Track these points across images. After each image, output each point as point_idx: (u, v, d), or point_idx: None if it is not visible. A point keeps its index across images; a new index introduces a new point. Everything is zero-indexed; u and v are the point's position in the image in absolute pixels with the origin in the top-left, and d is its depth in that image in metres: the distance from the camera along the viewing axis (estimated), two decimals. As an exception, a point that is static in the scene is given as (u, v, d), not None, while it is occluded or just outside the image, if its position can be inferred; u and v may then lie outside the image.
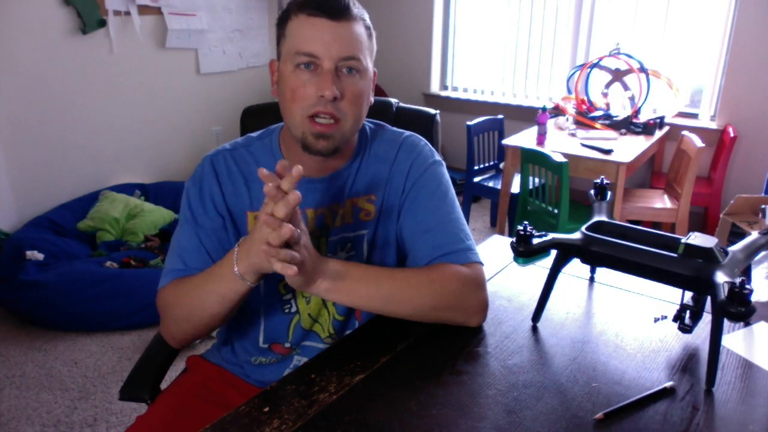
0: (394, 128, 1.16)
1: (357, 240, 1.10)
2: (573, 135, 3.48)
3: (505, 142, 3.39)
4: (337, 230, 1.09)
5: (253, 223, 1.06)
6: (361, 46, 0.98)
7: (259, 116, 1.38)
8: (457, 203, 1.12)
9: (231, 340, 1.17)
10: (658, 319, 1.08)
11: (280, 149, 1.09)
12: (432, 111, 1.47)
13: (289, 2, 1.00)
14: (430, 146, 1.14)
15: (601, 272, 1.24)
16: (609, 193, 1.16)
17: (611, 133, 3.50)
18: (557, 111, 3.95)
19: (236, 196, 1.07)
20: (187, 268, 1.03)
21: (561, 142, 3.34)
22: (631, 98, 3.91)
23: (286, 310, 1.10)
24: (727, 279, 0.84)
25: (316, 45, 0.95)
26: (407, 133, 1.14)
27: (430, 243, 1.05)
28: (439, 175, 1.11)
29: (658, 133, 3.58)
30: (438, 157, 1.14)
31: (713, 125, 3.80)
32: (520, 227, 0.99)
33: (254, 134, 1.14)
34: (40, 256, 2.79)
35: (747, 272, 1.02)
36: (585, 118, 3.71)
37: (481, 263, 1.06)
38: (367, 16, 1.02)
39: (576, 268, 1.16)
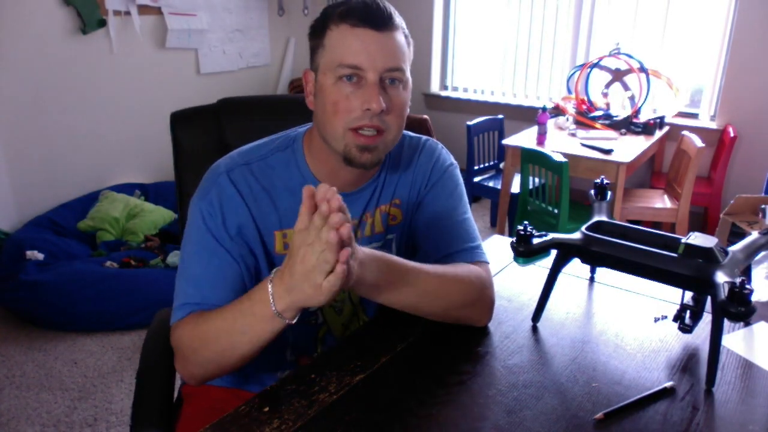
0: (412, 133, 1.15)
1: (386, 245, 1.10)
2: (573, 135, 3.48)
3: (505, 142, 3.39)
4: (366, 240, 1.07)
5: (280, 243, 1.00)
6: (404, 56, 0.96)
7: (188, 122, 1.30)
8: (469, 205, 1.14)
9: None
10: (658, 319, 1.08)
11: (306, 161, 1.02)
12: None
13: (326, 11, 0.95)
14: (447, 150, 1.17)
15: (601, 272, 1.24)
16: (609, 193, 1.16)
17: (611, 133, 3.50)
18: (557, 111, 3.95)
19: (263, 216, 0.99)
20: (204, 302, 0.95)
21: (561, 142, 3.34)
22: (631, 98, 3.91)
23: (312, 322, 1.08)
24: (727, 279, 0.84)
25: (360, 57, 0.91)
26: (424, 137, 1.16)
27: (445, 239, 1.07)
28: (456, 176, 1.14)
29: (658, 133, 3.58)
30: (454, 160, 1.16)
31: (713, 125, 3.80)
32: (520, 227, 0.99)
33: (267, 143, 1.04)
34: (40, 256, 2.79)
35: (747, 272, 1.02)
36: (585, 118, 3.71)
37: (488, 262, 1.10)
38: (405, 25, 0.99)
39: (576, 268, 1.16)
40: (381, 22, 0.92)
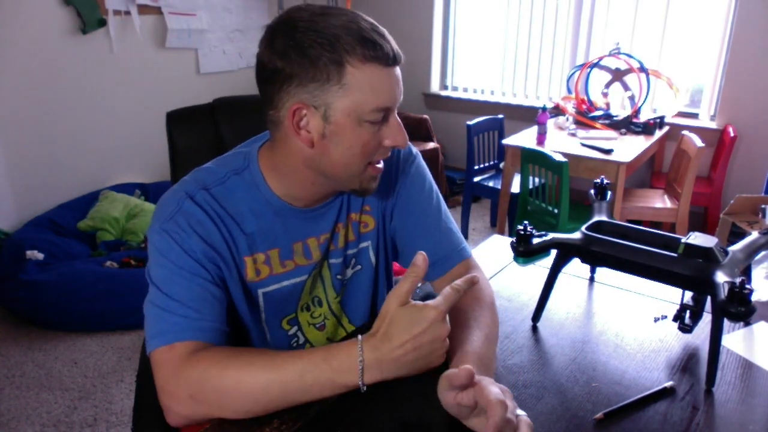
0: None
1: (361, 253, 1.08)
2: (573, 135, 3.48)
3: (505, 141, 3.39)
4: (339, 252, 1.04)
5: (252, 270, 0.95)
6: None
7: (184, 121, 1.29)
8: (440, 194, 1.12)
9: None
10: (658, 319, 1.08)
11: (266, 182, 0.95)
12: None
13: (332, 42, 0.82)
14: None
15: (601, 272, 1.23)
16: (609, 193, 1.15)
17: (611, 133, 3.50)
18: (557, 111, 3.95)
19: (231, 240, 0.93)
20: (204, 319, 0.85)
21: (561, 142, 3.34)
22: (631, 98, 3.91)
23: (294, 344, 1.07)
24: (727, 279, 0.84)
25: (393, 98, 0.87)
26: None
27: (430, 245, 1.04)
28: (423, 168, 1.10)
29: (658, 133, 3.58)
30: (414, 149, 1.11)
31: (713, 125, 3.80)
32: (520, 227, 0.99)
33: (219, 167, 0.97)
34: (40, 256, 2.79)
35: (747, 272, 1.02)
36: (585, 118, 3.71)
37: (471, 255, 1.10)
38: None
39: (576, 268, 1.16)
40: (400, 58, 0.87)
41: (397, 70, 0.87)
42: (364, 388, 0.78)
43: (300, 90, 0.84)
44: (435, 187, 1.11)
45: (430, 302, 0.78)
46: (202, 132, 1.26)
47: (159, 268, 0.87)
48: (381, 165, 0.93)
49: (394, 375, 0.78)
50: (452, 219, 1.11)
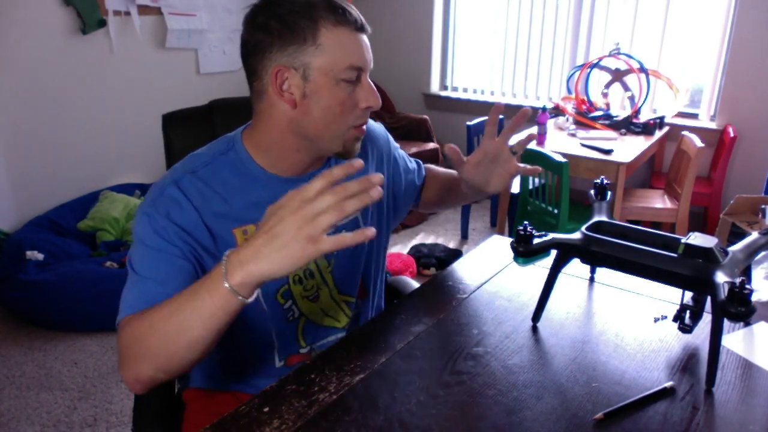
0: None
1: (352, 224, 1.10)
2: (573, 135, 3.48)
3: (505, 142, 3.39)
4: None
5: (242, 240, 0.98)
6: None
7: (180, 123, 1.30)
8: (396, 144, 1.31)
9: (241, 368, 1.10)
10: (658, 319, 1.08)
11: (252, 158, 1.01)
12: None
13: (307, 9, 0.92)
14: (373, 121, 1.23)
15: (601, 272, 1.24)
16: (609, 193, 1.16)
17: (611, 133, 3.50)
18: (557, 111, 3.95)
19: (217, 218, 0.98)
20: (166, 291, 0.86)
21: (561, 142, 3.34)
22: (631, 98, 3.91)
23: (290, 318, 1.09)
24: (727, 279, 0.84)
25: (363, 59, 0.96)
26: None
27: (415, 175, 1.29)
28: (392, 139, 1.28)
29: (658, 133, 3.58)
30: (377, 123, 1.26)
31: (713, 125, 3.80)
32: (520, 227, 0.99)
33: (206, 151, 1.03)
34: (40, 256, 2.79)
35: (747, 272, 1.02)
36: (585, 118, 3.71)
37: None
38: None
39: (576, 268, 1.16)
40: (365, 29, 0.98)
41: (365, 38, 0.97)
42: (242, 297, 0.76)
43: (280, 54, 0.93)
44: (395, 143, 1.28)
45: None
46: (199, 133, 1.26)
47: (134, 250, 0.93)
48: (359, 131, 1.01)
49: (256, 269, 0.74)
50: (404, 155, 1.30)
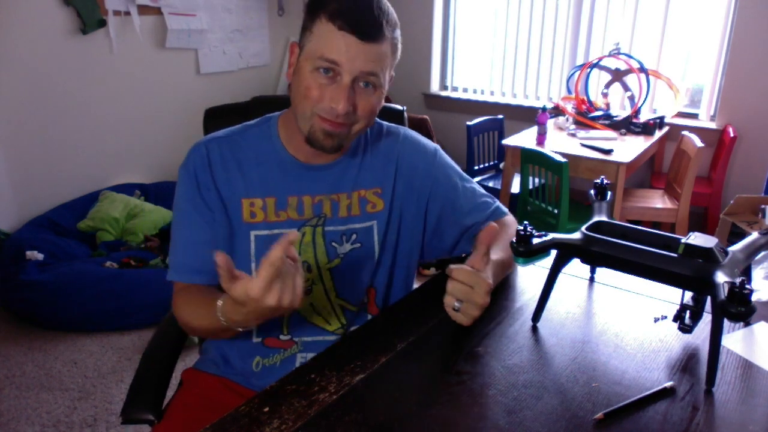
0: (388, 123, 1.21)
1: (365, 231, 1.12)
2: (573, 135, 3.48)
3: (505, 142, 3.40)
4: (342, 220, 1.11)
5: (247, 212, 1.07)
6: (384, 63, 1.00)
7: (220, 119, 1.33)
8: (460, 170, 1.25)
9: (224, 350, 1.14)
10: (658, 319, 1.08)
11: (279, 136, 1.10)
12: (399, 107, 1.50)
13: (323, 3, 0.97)
14: (423, 137, 1.23)
15: (601, 272, 1.23)
16: (609, 193, 1.15)
17: (611, 133, 3.50)
18: (557, 111, 3.95)
19: (229, 184, 1.07)
20: (186, 268, 1.06)
21: (561, 142, 3.34)
22: (631, 98, 3.91)
23: None
24: (727, 279, 0.84)
25: (341, 56, 0.95)
26: (402, 128, 1.22)
27: (472, 217, 1.19)
28: (446, 159, 1.23)
29: (658, 133, 3.58)
30: (434, 143, 1.24)
31: (713, 125, 3.80)
32: (520, 227, 0.99)
33: (251, 122, 1.14)
34: (40, 256, 2.79)
35: (747, 272, 1.02)
36: (585, 118, 3.72)
37: (508, 213, 1.25)
38: (398, 30, 1.02)
39: (576, 268, 1.16)
40: (369, 35, 0.95)
41: (362, 44, 0.95)
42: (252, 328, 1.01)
43: (300, 33, 1.01)
44: (461, 172, 1.23)
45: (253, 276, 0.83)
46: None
47: (174, 209, 1.09)
48: (330, 126, 0.99)
49: (256, 320, 0.91)
50: (484, 193, 1.24)
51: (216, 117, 1.34)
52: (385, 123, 1.20)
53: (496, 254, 1.07)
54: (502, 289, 1.20)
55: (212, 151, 1.07)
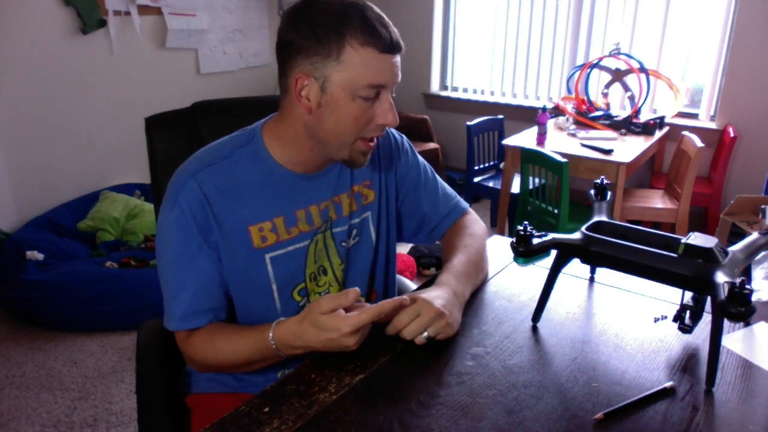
0: None
1: (362, 224, 1.16)
2: (573, 135, 3.48)
3: (505, 142, 3.39)
4: (345, 219, 1.12)
5: (258, 237, 1.03)
6: None
7: (164, 126, 1.28)
8: (426, 163, 1.28)
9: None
10: (658, 319, 1.08)
11: (269, 152, 1.04)
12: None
13: (338, 25, 0.92)
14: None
15: (601, 272, 1.24)
16: (609, 193, 1.15)
17: (611, 133, 3.50)
18: (557, 111, 3.95)
19: (232, 214, 1.02)
20: (203, 308, 1.02)
21: (561, 142, 3.34)
22: (631, 98, 3.91)
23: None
24: (727, 279, 0.84)
25: (386, 78, 0.96)
26: None
27: (430, 211, 1.25)
28: (414, 151, 1.26)
29: (658, 133, 3.58)
30: (401, 135, 1.26)
31: (713, 125, 3.80)
32: (520, 227, 0.99)
33: (226, 142, 1.06)
34: (40, 256, 2.79)
35: (747, 272, 1.02)
36: (585, 118, 3.72)
37: (467, 208, 1.30)
38: None
39: (576, 268, 1.16)
40: (399, 46, 0.96)
41: (395, 57, 0.97)
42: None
43: (305, 61, 0.94)
44: (424, 162, 1.27)
45: (350, 315, 0.89)
46: (183, 136, 1.25)
47: (165, 254, 1.01)
48: (374, 143, 1.02)
49: (313, 347, 0.93)
50: (446, 186, 1.29)
51: (158, 126, 1.26)
52: None
53: (458, 258, 1.13)
54: (502, 289, 1.20)
55: (204, 183, 1.00)
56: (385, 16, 0.97)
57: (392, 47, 0.95)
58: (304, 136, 1.01)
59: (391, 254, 1.24)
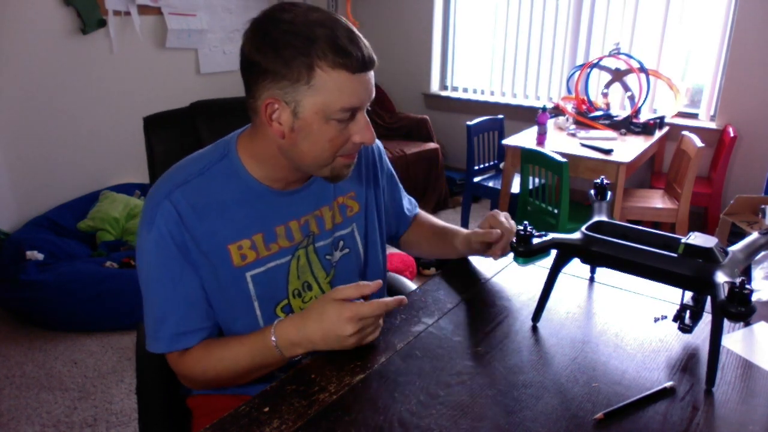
0: None
1: (349, 236, 1.14)
2: (573, 135, 3.48)
3: (505, 142, 3.39)
4: (329, 232, 1.10)
5: (237, 256, 1.00)
6: None
7: (162, 127, 1.28)
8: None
9: None
10: (658, 319, 1.08)
11: (245, 168, 1.01)
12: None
13: (306, 47, 0.87)
14: None
15: (601, 272, 1.24)
16: (609, 193, 1.16)
17: (611, 133, 3.50)
18: (557, 111, 3.95)
19: (209, 233, 0.98)
20: (192, 328, 1.00)
21: (561, 142, 3.34)
22: (631, 98, 3.91)
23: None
24: (727, 279, 0.84)
25: (360, 99, 0.92)
26: None
27: (407, 206, 1.33)
28: (385, 156, 1.28)
29: (658, 133, 3.58)
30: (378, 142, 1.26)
31: (713, 125, 3.80)
32: (520, 227, 0.99)
33: (200, 157, 1.03)
34: (40, 256, 2.79)
35: (747, 272, 1.02)
36: (585, 118, 3.72)
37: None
38: None
39: (576, 268, 1.16)
40: (372, 62, 0.92)
41: (368, 74, 0.93)
42: (298, 357, 0.97)
43: (273, 85, 0.91)
44: (391, 169, 1.31)
45: (357, 303, 0.92)
46: (182, 136, 1.25)
47: (147, 276, 0.99)
48: (354, 156, 1.01)
49: (312, 349, 0.95)
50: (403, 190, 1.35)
51: (156, 125, 1.26)
52: None
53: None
54: (502, 289, 1.20)
55: (179, 203, 0.96)
56: (355, 30, 0.92)
57: (365, 65, 0.90)
58: (280, 157, 0.99)
59: (381, 265, 1.22)
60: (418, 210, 1.37)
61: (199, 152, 1.04)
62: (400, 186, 1.32)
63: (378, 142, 1.21)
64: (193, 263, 0.98)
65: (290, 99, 0.91)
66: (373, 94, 0.96)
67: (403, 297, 0.96)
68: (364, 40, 0.92)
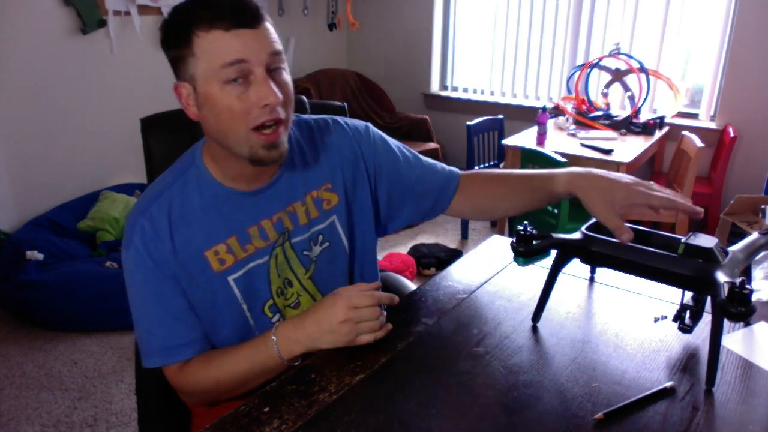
0: (313, 116, 1.16)
1: (329, 229, 1.11)
2: (573, 135, 3.48)
3: (505, 142, 3.39)
4: (304, 228, 1.08)
5: (215, 261, 1.00)
6: (278, 39, 0.94)
7: (159, 127, 1.27)
8: (401, 144, 1.22)
9: None
10: (658, 319, 1.08)
11: (211, 174, 1.01)
12: (339, 103, 1.46)
13: (181, 17, 0.90)
14: (351, 118, 1.20)
15: (601, 272, 1.24)
16: (609, 193, 1.15)
17: (611, 133, 3.50)
18: (557, 111, 3.95)
19: (185, 243, 0.98)
20: (186, 341, 1.01)
21: (561, 142, 3.34)
22: (631, 98, 3.91)
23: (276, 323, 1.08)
24: (727, 279, 0.84)
25: (243, 53, 0.88)
26: (324, 117, 1.16)
27: (423, 189, 1.18)
28: (381, 135, 1.19)
29: (658, 133, 3.58)
30: (364, 123, 1.19)
31: (713, 125, 3.80)
32: (520, 227, 0.99)
33: (170, 171, 1.04)
34: (40, 256, 2.79)
35: (747, 272, 1.02)
36: (585, 118, 3.72)
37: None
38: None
39: (576, 268, 1.16)
40: (255, 19, 0.89)
41: (253, 30, 0.89)
42: (296, 363, 0.96)
43: (176, 70, 0.94)
44: (396, 142, 1.21)
45: (349, 290, 0.96)
46: (179, 137, 1.25)
47: (133, 293, 1.02)
48: (269, 133, 0.92)
49: (311, 347, 0.95)
50: (428, 159, 1.22)
51: (154, 126, 1.25)
52: (311, 117, 1.15)
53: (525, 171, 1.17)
54: (502, 289, 1.20)
55: (154, 218, 0.97)
56: None
57: (243, 21, 0.88)
58: (217, 147, 0.97)
59: (369, 254, 1.20)
60: (460, 176, 1.22)
61: (170, 168, 1.05)
62: (411, 154, 1.20)
63: (370, 127, 1.18)
64: (174, 276, 0.99)
65: (188, 76, 0.92)
66: (268, 51, 0.90)
67: (395, 296, 0.99)
68: (246, 1, 0.90)
